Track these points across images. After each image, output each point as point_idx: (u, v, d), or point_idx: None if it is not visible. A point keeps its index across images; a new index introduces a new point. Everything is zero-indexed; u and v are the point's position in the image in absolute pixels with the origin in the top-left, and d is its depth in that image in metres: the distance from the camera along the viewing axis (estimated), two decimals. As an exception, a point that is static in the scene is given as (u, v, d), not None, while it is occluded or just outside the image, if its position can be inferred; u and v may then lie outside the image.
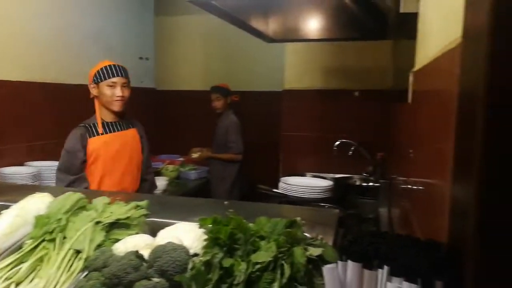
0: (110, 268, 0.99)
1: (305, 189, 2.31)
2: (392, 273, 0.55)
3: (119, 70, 2.22)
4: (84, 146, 2.15)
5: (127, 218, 1.25)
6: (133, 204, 1.32)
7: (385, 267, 0.55)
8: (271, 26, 2.43)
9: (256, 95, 4.38)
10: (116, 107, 2.20)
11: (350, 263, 0.58)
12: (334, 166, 3.16)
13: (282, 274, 0.86)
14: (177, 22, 4.75)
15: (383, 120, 2.91)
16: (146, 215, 1.30)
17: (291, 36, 2.58)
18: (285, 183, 2.43)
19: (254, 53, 4.34)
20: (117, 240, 1.17)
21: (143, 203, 1.34)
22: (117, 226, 1.23)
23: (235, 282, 0.87)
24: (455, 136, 0.67)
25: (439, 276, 0.52)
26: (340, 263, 0.60)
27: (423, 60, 1.16)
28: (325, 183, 2.48)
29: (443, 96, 0.85)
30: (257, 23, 2.33)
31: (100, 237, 1.18)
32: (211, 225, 1.00)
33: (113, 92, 2.18)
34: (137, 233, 1.22)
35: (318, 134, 3.43)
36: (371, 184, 2.72)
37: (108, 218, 1.23)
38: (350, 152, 3.05)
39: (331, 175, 2.95)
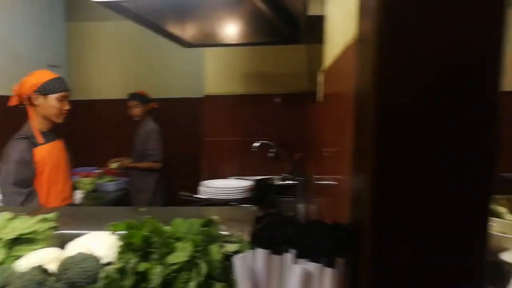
0: (12, 286, 0.91)
1: (224, 191, 2.32)
2: (299, 256, 0.57)
3: (66, 84, 2.31)
4: (32, 157, 2.13)
5: (32, 232, 1.16)
6: (39, 217, 1.23)
7: (292, 251, 0.57)
8: (188, 30, 2.41)
9: (176, 102, 4.31)
10: (61, 119, 2.28)
11: (259, 250, 0.59)
12: (256, 169, 3.22)
13: (198, 272, 0.85)
14: (92, 28, 4.53)
15: (302, 122, 3.03)
16: (54, 228, 1.21)
17: (209, 41, 2.58)
18: (205, 187, 2.42)
19: (174, 59, 4.28)
20: (20, 257, 1.08)
21: (51, 215, 1.25)
22: (20, 242, 1.13)
23: (151, 286, 0.84)
24: (353, 133, 0.71)
25: (340, 254, 0.55)
26: (250, 251, 0.61)
27: (330, 60, 1.22)
28: (244, 183, 2.52)
29: (344, 95, 0.90)
30: (174, 28, 2.29)
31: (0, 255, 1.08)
32: (125, 231, 0.96)
33: (61, 105, 2.25)
34: (44, 248, 1.13)
35: (240, 138, 3.46)
36: (290, 183, 2.82)
37: (9, 234, 1.13)
38: (272, 154, 3.13)
39: (253, 177, 3.00)
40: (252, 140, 3.24)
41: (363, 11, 0.67)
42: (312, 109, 2.10)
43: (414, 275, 0.51)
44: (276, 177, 3.02)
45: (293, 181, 2.80)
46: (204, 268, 0.86)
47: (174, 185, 3.50)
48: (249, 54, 3.34)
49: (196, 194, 2.47)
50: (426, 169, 0.52)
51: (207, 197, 2.35)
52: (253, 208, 1.33)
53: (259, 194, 2.54)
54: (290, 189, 2.77)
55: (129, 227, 0.93)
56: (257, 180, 2.88)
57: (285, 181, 2.86)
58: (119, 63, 4.53)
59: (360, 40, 0.69)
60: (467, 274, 0.50)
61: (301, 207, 2.20)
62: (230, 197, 2.32)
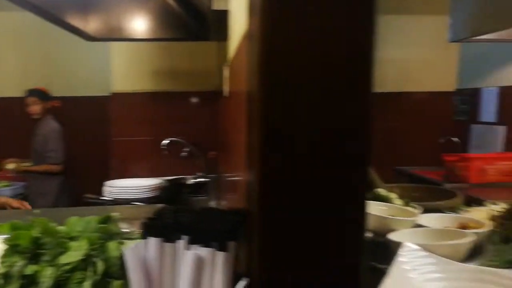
0: None
1: (131, 190, 2.25)
2: (192, 242, 0.57)
3: None
4: None
5: None
6: None
7: (184, 237, 0.57)
8: (90, 23, 2.28)
9: (80, 100, 4.05)
10: None
11: (151, 239, 0.58)
12: (169, 168, 3.15)
13: (94, 271, 0.81)
14: (-19, 18, 4.07)
15: (215, 120, 3.03)
16: None
17: (114, 34, 2.46)
18: (109, 187, 2.32)
19: (77, 54, 4.02)
20: None
21: None
22: None
23: (40, 289, 0.78)
24: (246, 130, 0.73)
25: (232, 237, 0.56)
26: (142, 241, 0.59)
27: (231, 55, 1.24)
28: (152, 182, 2.46)
29: (240, 91, 0.92)
30: (74, 19, 2.16)
31: None
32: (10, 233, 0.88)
33: None
34: None
35: (151, 138, 3.36)
36: (202, 181, 2.82)
37: None
38: (185, 154, 3.10)
39: (166, 178, 2.94)
40: (164, 139, 3.18)
41: (252, 7, 0.69)
42: (222, 106, 2.12)
43: (295, 255, 0.54)
44: (190, 176, 3.00)
45: (205, 179, 2.80)
46: (100, 266, 0.82)
47: (81, 188, 3.30)
48: (159, 50, 3.27)
49: (103, 195, 2.35)
50: (304, 163, 0.56)
51: (114, 197, 2.25)
52: (159, 205, 1.30)
53: (170, 193, 2.49)
54: (203, 187, 2.77)
55: (14, 228, 0.86)
56: (170, 180, 2.83)
57: (199, 180, 2.85)
58: (15, 58, 4.13)
59: (249, 37, 0.70)
60: (343, 253, 0.55)
61: (213, 204, 2.21)
62: (138, 196, 2.25)
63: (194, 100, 3.36)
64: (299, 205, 0.56)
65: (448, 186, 2.62)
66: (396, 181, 2.33)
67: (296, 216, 0.56)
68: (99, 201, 2.28)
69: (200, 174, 2.93)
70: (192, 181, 2.86)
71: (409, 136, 3.59)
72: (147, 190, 2.32)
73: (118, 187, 2.31)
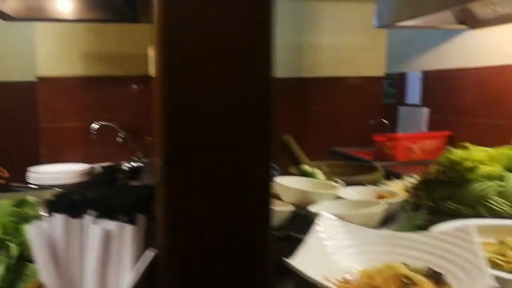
0: None
1: (58, 176, 2.17)
2: (100, 216, 0.58)
3: None
4: None
5: None
6: None
7: (90, 212, 0.57)
8: (8, 1, 2.14)
9: (2, 86, 3.78)
10: None
11: (55, 216, 0.58)
12: (104, 155, 3.07)
13: (8, 255, 0.79)
14: None
15: (149, 104, 2.98)
16: None
17: (36, 14, 2.32)
18: (35, 173, 2.22)
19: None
20: None
21: None
22: None
23: None
24: (155, 112, 0.74)
25: (141, 211, 0.57)
26: (46, 219, 0.59)
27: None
28: (80, 167, 2.39)
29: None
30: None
31: None
32: None
33: None
34: None
35: (84, 124, 3.24)
36: (136, 166, 2.79)
37: None
38: (120, 139, 3.04)
39: (101, 164, 2.86)
40: (98, 126, 3.09)
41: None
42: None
43: (202, 227, 0.56)
44: (125, 161, 2.94)
45: (141, 164, 2.77)
46: (14, 250, 0.80)
47: (11, 178, 3.12)
48: (89, 33, 3.13)
49: (29, 182, 2.25)
50: (206, 140, 0.58)
51: (41, 183, 2.17)
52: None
53: (105, 179, 2.44)
54: (139, 172, 2.74)
55: None
56: (105, 167, 2.77)
57: (133, 164, 2.81)
58: None
59: (154, 17, 0.71)
60: (251, 223, 0.58)
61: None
62: (67, 182, 2.18)
63: (127, 84, 3.27)
64: (204, 178, 0.57)
65: (378, 164, 2.78)
66: (325, 158, 2.44)
67: (201, 189, 0.57)
68: (25, 189, 2.19)
69: (136, 159, 2.89)
70: (127, 166, 2.81)
71: (343, 118, 3.74)
72: (75, 175, 2.25)
73: (43, 173, 2.22)
